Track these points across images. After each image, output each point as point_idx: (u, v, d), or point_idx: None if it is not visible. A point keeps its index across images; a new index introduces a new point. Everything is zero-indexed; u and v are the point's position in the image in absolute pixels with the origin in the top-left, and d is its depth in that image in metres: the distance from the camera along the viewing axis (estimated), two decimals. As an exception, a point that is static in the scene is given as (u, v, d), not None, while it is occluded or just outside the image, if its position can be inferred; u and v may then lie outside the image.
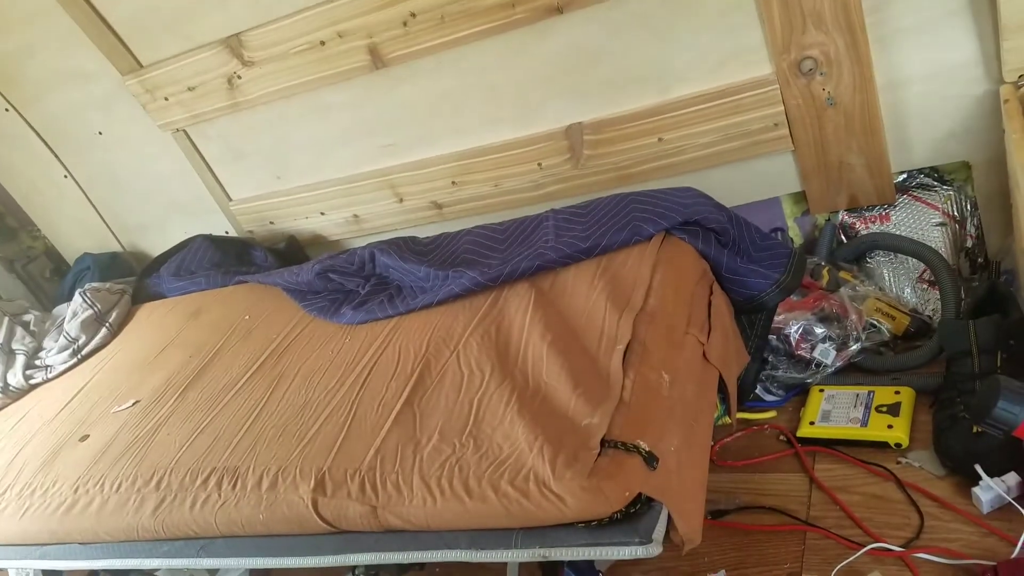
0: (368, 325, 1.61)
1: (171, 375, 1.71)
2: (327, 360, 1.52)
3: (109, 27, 2.06)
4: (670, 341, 1.31)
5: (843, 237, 1.78)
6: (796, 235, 1.86)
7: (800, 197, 1.80)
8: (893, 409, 1.46)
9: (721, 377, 1.39)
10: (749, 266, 1.49)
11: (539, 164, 1.94)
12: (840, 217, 1.75)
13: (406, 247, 1.78)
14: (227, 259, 2.21)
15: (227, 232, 2.41)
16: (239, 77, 2.03)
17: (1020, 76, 1.40)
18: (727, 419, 1.52)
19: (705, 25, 1.61)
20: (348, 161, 2.14)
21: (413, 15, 1.76)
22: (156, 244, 2.53)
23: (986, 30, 1.42)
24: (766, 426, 1.59)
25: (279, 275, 1.89)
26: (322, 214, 2.26)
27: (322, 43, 1.89)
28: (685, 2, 1.59)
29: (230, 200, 2.36)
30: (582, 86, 1.79)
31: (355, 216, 2.23)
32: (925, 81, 1.53)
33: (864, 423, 1.46)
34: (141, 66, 2.12)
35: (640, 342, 1.26)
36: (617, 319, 1.31)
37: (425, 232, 1.95)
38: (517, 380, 1.26)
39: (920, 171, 1.66)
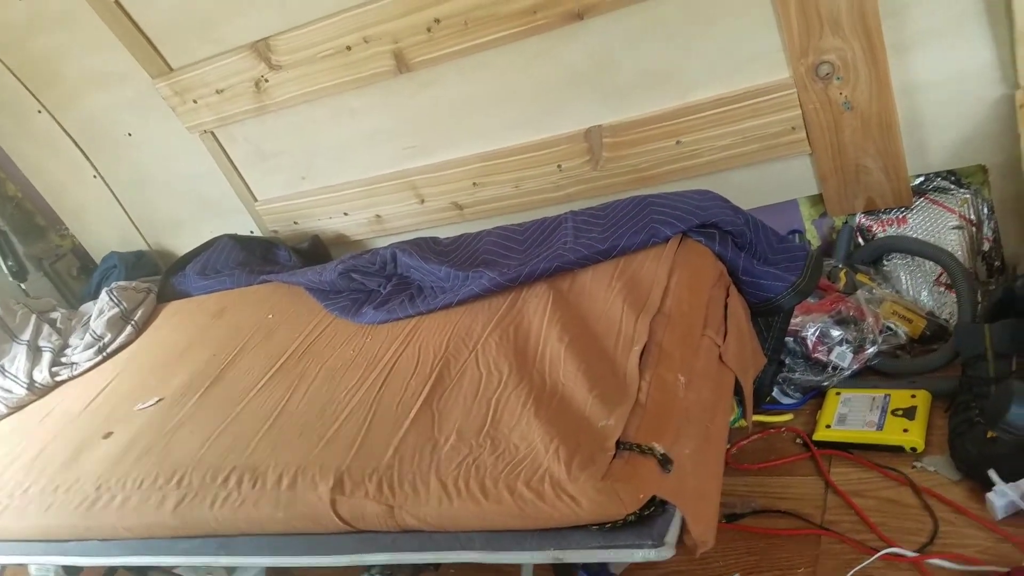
0: (389, 325, 1.63)
1: (194, 374, 1.74)
2: (348, 359, 1.55)
3: (140, 30, 2.11)
4: (687, 343, 1.32)
5: (860, 239, 1.78)
6: (814, 237, 1.86)
7: (818, 199, 1.80)
8: (909, 413, 1.46)
9: (737, 379, 1.41)
10: (765, 268, 1.50)
11: (559, 166, 1.96)
12: (857, 220, 1.75)
13: (427, 247, 1.81)
14: (252, 258, 2.24)
15: (252, 232, 2.45)
16: (266, 80, 2.07)
17: (1037, 81, 1.39)
18: (743, 422, 1.53)
19: (724, 29, 1.62)
20: (371, 163, 2.18)
21: (437, 21, 1.79)
22: (182, 243, 2.58)
23: (1002, 35, 1.42)
24: (783, 429, 1.60)
25: (303, 274, 1.93)
26: (345, 214, 2.29)
27: (348, 48, 1.92)
28: (704, 7, 1.61)
29: (255, 200, 2.40)
30: (602, 90, 1.81)
31: (377, 216, 2.26)
32: (942, 85, 1.53)
33: (880, 427, 1.46)
34: (171, 69, 2.17)
35: (657, 344, 1.27)
36: (634, 320, 1.32)
37: (446, 232, 1.97)
38: (535, 381, 1.28)
39: (937, 174, 1.66)
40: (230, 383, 1.65)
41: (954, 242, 1.62)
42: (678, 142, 1.80)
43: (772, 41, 1.59)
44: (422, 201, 2.18)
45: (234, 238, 2.33)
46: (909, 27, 1.49)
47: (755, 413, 1.63)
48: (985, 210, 1.63)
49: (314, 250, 2.30)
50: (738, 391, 1.41)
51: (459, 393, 1.32)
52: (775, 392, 1.64)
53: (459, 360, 1.41)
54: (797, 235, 1.86)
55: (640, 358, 1.24)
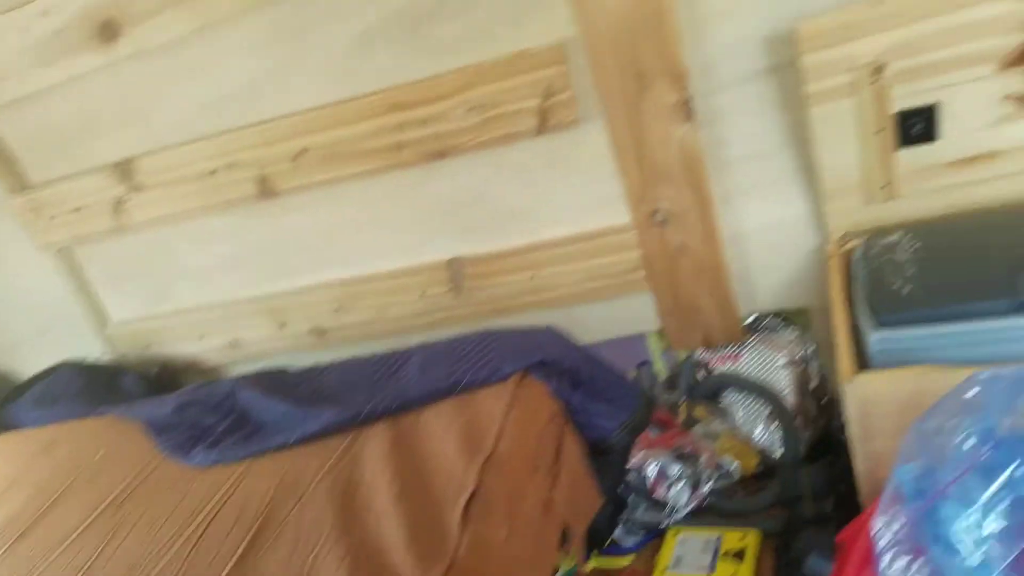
0: (220, 466, 1.55)
1: (7, 520, 1.59)
2: (170, 508, 1.45)
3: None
4: (514, 489, 1.31)
5: (705, 372, 1.84)
6: (661, 369, 1.91)
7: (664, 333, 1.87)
8: (739, 555, 1.47)
9: (572, 524, 1.40)
10: (599, 407, 1.53)
11: (422, 294, 1.97)
12: (697, 354, 1.82)
13: (270, 381, 1.76)
14: (94, 387, 2.12)
15: (101, 356, 2.34)
16: (127, 200, 2.03)
17: (842, 235, 1.51)
18: (579, 568, 1.50)
19: (574, 174, 1.70)
20: (232, 286, 2.13)
21: (304, 151, 1.82)
22: (27, 366, 2.42)
23: (814, 193, 1.55)
24: (624, 573, 1.58)
25: (141, 407, 1.83)
26: (200, 338, 2.22)
27: (212, 172, 1.91)
28: (557, 154, 1.69)
29: (108, 322, 2.31)
30: (463, 223, 1.86)
31: (234, 340, 2.20)
32: (765, 234, 1.64)
33: (711, 570, 1.46)
34: (28, 185, 2.11)
35: (485, 490, 1.26)
36: (464, 466, 1.32)
37: (306, 360, 1.94)
38: (354, 537, 1.23)
39: (767, 314, 1.75)
40: (43, 532, 1.51)
41: (784, 379, 1.69)
42: (533, 276, 1.84)
43: (616, 187, 1.68)
44: (282, 326, 2.14)
45: (77, 365, 2.21)
46: (735, 180, 1.60)
47: (598, 556, 1.61)
48: (810, 350, 1.72)
49: (163, 377, 2.20)
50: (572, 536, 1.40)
51: (276, 552, 1.25)
52: (617, 532, 1.62)
53: (283, 511, 1.35)
54: (646, 366, 1.91)
55: (466, 508, 1.23)
